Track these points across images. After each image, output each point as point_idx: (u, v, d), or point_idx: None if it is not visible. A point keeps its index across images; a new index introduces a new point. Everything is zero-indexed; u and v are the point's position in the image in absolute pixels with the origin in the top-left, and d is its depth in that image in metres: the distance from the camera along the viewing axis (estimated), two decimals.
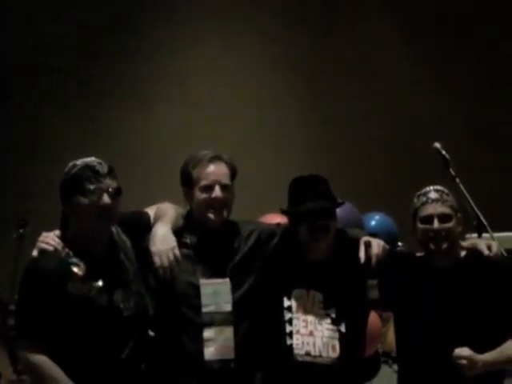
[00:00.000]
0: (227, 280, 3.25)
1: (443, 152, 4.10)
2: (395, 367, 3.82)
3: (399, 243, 4.84)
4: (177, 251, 3.19)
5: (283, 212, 3.44)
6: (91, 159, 3.07)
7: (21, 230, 7.43)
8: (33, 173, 8.66)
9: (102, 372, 2.96)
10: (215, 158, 3.33)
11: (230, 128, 9.25)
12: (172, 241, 3.20)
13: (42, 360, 2.88)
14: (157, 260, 3.16)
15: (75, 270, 2.97)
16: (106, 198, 2.98)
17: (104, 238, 3.09)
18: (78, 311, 2.93)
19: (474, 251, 3.31)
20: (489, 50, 9.59)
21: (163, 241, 3.19)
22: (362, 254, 3.27)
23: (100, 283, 3.01)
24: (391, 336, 3.60)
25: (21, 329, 2.97)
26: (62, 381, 2.87)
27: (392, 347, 3.62)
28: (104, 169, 3.03)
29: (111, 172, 3.05)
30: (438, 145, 4.12)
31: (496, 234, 3.78)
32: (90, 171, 3.00)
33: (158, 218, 3.32)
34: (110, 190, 3.01)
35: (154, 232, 3.22)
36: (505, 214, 6.81)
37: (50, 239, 3.05)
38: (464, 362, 3.05)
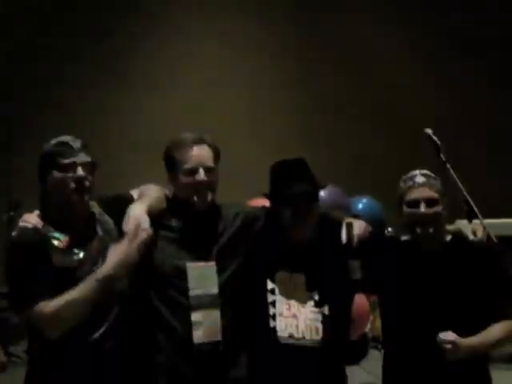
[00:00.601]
0: (213, 263, 3.25)
1: (434, 138, 4.08)
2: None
3: (389, 228, 4.85)
4: (149, 232, 3.13)
5: (265, 196, 3.43)
6: (66, 136, 3.13)
7: (11, 213, 7.43)
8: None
9: (82, 344, 3.00)
10: (198, 141, 3.30)
11: (218, 113, 9.27)
12: (144, 221, 3.14)
13: (56, 302, 2.91)
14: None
15: (55, 242, 3.03)
16: (80, 171, 3.04)
17: (82, 211, 3.12)
18: (61, 282, 2.96)
19: (459, 235, 3.31)
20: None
21: (136, 220, 3.13)
22: (343, 235, 3.27)
23: (81, 255, 3.06)
24: (380, 321, 3.59)
25: (21, 300, 2.98)
26: (84, 288, 2.93)
27: (381, 332, 3.62)
28: (77, 144, 3.09)
29: (85, 147, 3.10)
30: (429, 130, 4.10)
31: (486, 221, 3.76)
32: (64, 146, 3.06)
33: (138, 198, 3.31)
34: (86, 163, 3.07)
35: (128, 211, 3.17)
36: (496, 200, 6.82)
37: (30, 218, 3.09)
38: (448, 346, 3.06)
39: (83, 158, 3.07)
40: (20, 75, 9.59)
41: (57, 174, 3.05)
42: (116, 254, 3.01)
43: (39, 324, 2.95)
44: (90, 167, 3.09)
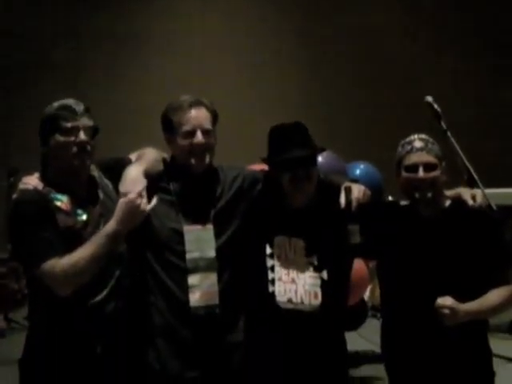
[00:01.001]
0: (211, 226, 3.25)
1: (435, 106, 4.05)
2: None
3: (389, 197, 4.84)
4: (144, 194, 3.13)
5: (264, 161, 3.41)
6: (68, 100, 3.13)
7: (11, 179, 7.45)
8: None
9: (82, 309, 3.01)
10: (195, 103, 3.28)
11: (220, 78, 9.26)
12: (141, 183, 3.14)
13: (67, 259, 2.92)
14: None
15: (58, 203, 3.03)
16: (82, 135, 3.04)
17: (83, 174, 3.12)
18: (67, 243, 2.97)
19: (458, 201, 3.30)
20: None
21: (132, 182, 3.14)
22: (342, 199, 3.25)
23: (84, 217, 3.07)
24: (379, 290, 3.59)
25: (31, 258, 2.97)
26: (93, 246, 2.96)
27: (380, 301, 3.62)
28: (80, 108, 3.08)
29: (87, 111, 3.10)
30: (430, 98, 4.07)
31: (487, 190, 3.74)
32: (67, 110, 3.06)
33: (136, 161, 3.32)
34: (86, 127, 3.06)
35: (125, 173, 3.18)
36: (498, 170, 6.81)
37: (30, 180, 3.10)
38: (446, 311, 3.05)
39: (86, 121, 3.07)
40: (20, 35, 9.56)
41: (59, 137, 3.05)
42: (122, 209, 3.01)
43: (51, 283, 2.95)
44: (92, 131, 3.09)
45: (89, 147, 3.06)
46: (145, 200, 3.10)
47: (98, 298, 3.04)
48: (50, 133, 3.06)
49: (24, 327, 7.55)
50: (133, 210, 3.02)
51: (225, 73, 9.65)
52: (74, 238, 3.00)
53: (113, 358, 3.10)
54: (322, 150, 3.40)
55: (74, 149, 3.04)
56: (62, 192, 3.06)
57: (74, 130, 3.04)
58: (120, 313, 3.11)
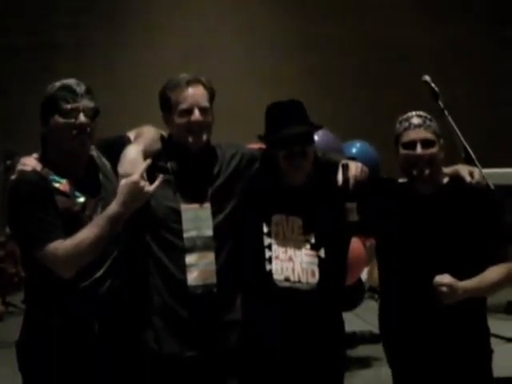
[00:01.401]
0: (208, 205, 3.24)
1: (432, 85, 4.04)
2: None
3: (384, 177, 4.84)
4: (144, 175, 3.12)
5: (260, 139, 3.40)
6: (70, 80, 3.09)
7: (8, 162, 7.42)
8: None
9: (76, 288, 2.99)
10: (193, 81, 3.27)
11: (219, 58, 9.25)
12: (140, 163, 3.12)
13: (69, 242, 2.92)
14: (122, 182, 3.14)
15: (56, 185, 3.01)
16: (82, 117, 3.00)
17: (83, 156, 3.10)
18: (65, 225, 2.96)
19: (456, 178, 3.29)
20: None
21: (131, 163, 3.13)
22: (339, 177, 3.25)
23: (82, 199, 3.05)
24: (377, 271, 3.58)
25: (31, 240, 2.96)
26: (95, 228, 2.95)
27: (378, 282, 3.61)
28: (81, 89, 3.05)
29: (89, 92, 3.07)
30: (427, 77, 4.06)
31: (485, 170, 3.73)
32: (68, 91, 3.02)
33: (134, 140, 3.30)
34: (86, 109, 3.02)
35: (124, 153, 3.18)
36: (495, 149, 6.81)
37: (28, 161, 3.07)
38: (444, 289, 3.05)
39: (86, 103, 3.03)
40: (18, 17, 9.54)
41: (59, 118, 3.01)
42: (125, 190, 2.99)
43: (53, 264, 2.94)
44: (92, 113, 3.06)
45: (88, 129, 3.03)
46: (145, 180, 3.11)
47: (94, 277, 3.03)
48: (49, 113, 3.03)
49: (22, 311, 7.53)
50: (136, 191, 3.00)
51: (224, 51, 9.65)
52: (72, 220, 2.99)
53: (110, 337, 3.09)
54: (319, 127, 3.38)
55: (74, 131, 3.01)
56: (61, 173, 3.04)
57: (74, 112, 3.00)
58: (116, 292, 3.10)
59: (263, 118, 3.37)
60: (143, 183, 3.01)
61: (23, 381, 3.11)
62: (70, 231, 2.95)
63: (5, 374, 4.82)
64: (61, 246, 2.91)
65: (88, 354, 3.05)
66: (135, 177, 3.00)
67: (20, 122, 8.67)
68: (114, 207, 2.98)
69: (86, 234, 2.93)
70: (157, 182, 3.08)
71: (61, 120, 3.01)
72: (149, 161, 3.11)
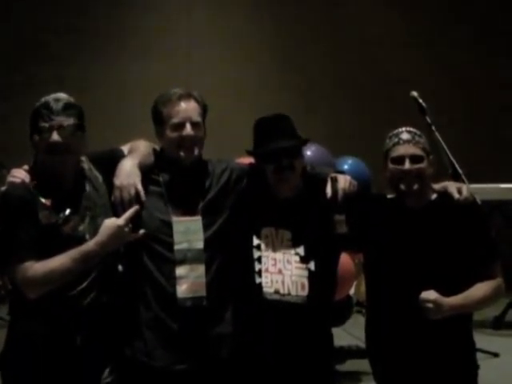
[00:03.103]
0: (199, 218, 3.25)
1: (420, 100, 4.09)
2: None
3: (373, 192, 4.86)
4: (139, 187, 3.18)
5: (249, 153, 3.42)
6: (54, 95, 3.10)
7: None
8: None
9: (60, 299, 3.01)
10: (185, 96, 3.29)
11: (206, 72, 9.26)
12: (136, 176, 3.19)
13: (39, 266, 2.94)
14: (117, 194, 3.17)
15: (42, 200, 3.02)
16: (54, 136, 3.01)
17: (66, 172, 3.09)
18: (45, 239, 2.98)
19: (444, 194, 3.30)
20: None
21: (127, 175, 3.18)
22: (328, 189, 3.26)
23: (67, 212, 3.05)
24: (364, 286, 3.59)
25: (6, 256, 2.99)
26: (68, 259, 2.96)
27: (365, 297, 3.62)
28: (58, 106, 3.05)
29: (67, 109, 3.06)
30: (415, 93, 4.11)
31: (473, 186, 3.76)
32: (45, 109, 3.04)
33: (129, 154, 3.32)
34: (63, 126, 3.02)
35: (120, 166, 3.22)
36: (477, 166, 6.83)
37: (18, 173, 3.09)
38: (430, 305, 3.06)
39: (60, 121, 3.02)
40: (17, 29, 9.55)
41: (36, 137, 3.05)
42: (107, 232, 3.01)
43: (21, 284, 2.98)
44: (71, 129, 3.04)
45: (63, 147, 3.02)
46: (142, 192, 3.17)
47: (78, 288, 3.04)
48: (31, 130, 3.06)
49: (6, 323, 7.51)
50: (118, 235, 3.03)
51: (213, 67, 9.66)
52: (52, 233, 3.00)
53: (93, 350, 3.09)
54: (306, 141, 3.40)
55: (46, 148, 3.02)
56: (48, 186, 3.05)
57: (48, 130, 3.01)
58: (101, 304, 3.11)
59: (250, 133, 3.40)
60: (127, 229, 3.04)
61: None
62: (48, 244, 2.98)
63: None
64: (31, 268, 2.94)
65: (71, 365, 3.05)
66: (120, 221, 3.03)
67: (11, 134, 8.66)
68: (91, 245, 3.00)
69: (58, 263, 2.95)
70: (140, 232, 3.11)
71: (36, 137, 3.04)
72: (139, 174, 3.15)
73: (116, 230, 3.01)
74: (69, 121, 3.04)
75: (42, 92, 3.15)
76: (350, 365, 5.77)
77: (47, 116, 3.01)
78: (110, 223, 3.03)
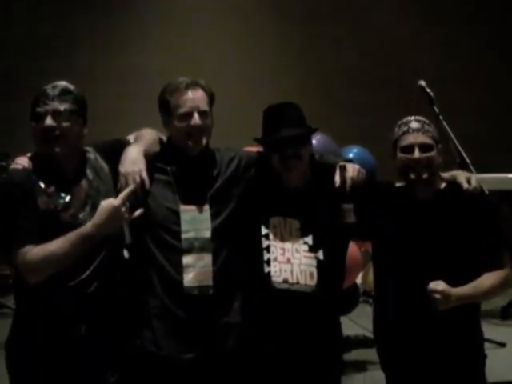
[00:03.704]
0: (207, 207, 3.25)
1: (428, 90, 4.07)
2: None
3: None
4: (144, 174, 3.16)
5: (256, 141, 3.41)
6: (51, 83, 3.11)
7: (2, 163, 7.44)
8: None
9: (63, 289, 3.01)
10: (192, 84, 3.27)
11: (214, 62, 9.25)
12: (141, 163, 3.17)
13: (39, 250, 2.94)
14: (122, 181, 3.16)
15: (42, 185, 3.03)
16: (48, 121, 3.01)
17: (63, 157, 3.07)
18: (44, 225, 2.98)
19: (453, 183, 3.30)
20: None
21: (132, 162, 3.17)
22: (337, 178, 3.25)
23: (67, 199, 3.05)
24: (372, 276, 3.59)
25: (6, 240, 2.99)
26: (66, 243, 2.95)
27: (373, 287, 3.62)
28: (55, 91, 3.06)
29: (63, 94, 3.06)
30: (422, 82, 4.10)
31: (480, 175, 3.75)
32: (42, 95, 3.05)
33: (135, 142, 3.32)
34: (58, 111, 3.02)
35: (125, 153, 3.21)
36: (488, 154, 6.81)
37: (20, 160, 3.11)
38: (438, 295, 3.06)
39: (56, 106, 3.03)
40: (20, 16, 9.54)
41: (33, 123, 3.05)
42: (103, 213, 2.99)
43: (20, 269, 2.98)
44: (66, 114, 3.04)
45: (57, 131, 3.02)
46: (147, 180, 3.15)
47: (80, 277, 3.04)
48: (30, 117, 3.06)
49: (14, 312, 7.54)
50: (115, 216, 3.01)
51: (222, 54, 9.65)
52: (51, 219, 3.00)
53: (98, 339, 3.10)
54: (315, 130, 3.39)
55: (40, 134, 3.02)
56: (50, 172, 3.06)
57: (43, 115, 3.02)
58: (105, 293, 3.11)
59: (259, 122, 3.39)
60: (123, 209, 3.01)
61: (10, 381, 3.12)
62: (47, 230, 2.98)
63: None
64: (30, 252, 2.94)
65: (75, 355, 3.05)
66: (117, 201, 3.01)
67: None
68: (88, 227, 2.99)
69: (56, 246, 2.94)
70: (137, 213, 3.08)
71: (33, 124, 3.04)
72: (144, 161, 3.16)
73: (112, 210, 2.99)
74: (63, 105, 3.04)
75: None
76: (357, 354, 5.77)
77: (42, 102, 3.02)
78: (107, 204, 3.01)
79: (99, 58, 9.56)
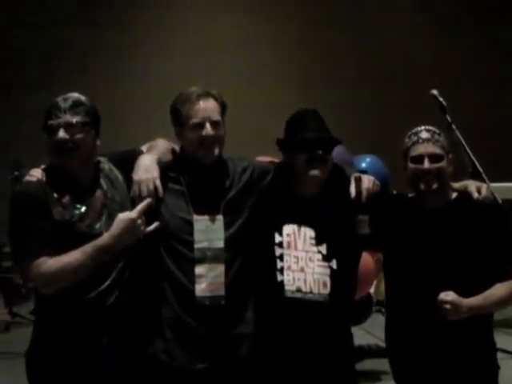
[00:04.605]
0: (220, 217, 3.25)
1: (440, 99, 4.05)
2: None
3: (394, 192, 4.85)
4: (158, 182, 3.18)
5: (280, 142, 3.41)
6: (64, 95, 3.13)
7: (15, 173, 7.49)
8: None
9: (83, 300, 3.03)
10: (204, 95, 3.27)
11: (225, 72, 9.28)
12: (154, 171, 3.19)
13: (53, 262, 2.95)
14: (135, 189, 3.18)
15: (56, 196, 3.05)
16: (61, 133, 3.03)
17: (75, 168, 3.10)
18: (60, 236, 3.00)
19: (464, 193, 3.29)
20: None
21: (146, 171, 3.19)
22: (352, 189, 3.26)
23: (83, 209, 3.07)
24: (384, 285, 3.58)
25: (21, 252, 3.02)
26: (82, 255, 2.96)
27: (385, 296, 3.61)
28: (66, 104, 3.08)
29: (75, 106, 3.08)
30: (435, 91, 4.07)
31: (494, 184, 3.73)
32: (53, 107, 3.07)
33: (148, 151, 3.34)
34: (70, 124, 3.04)
35: (138, 162, 3.23)
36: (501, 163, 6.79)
37: (34, 172, 3.13)
38: (448, 306, 3.06)
39: (68, 118, 3.05)
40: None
41: (45, 136, 3.07)
42: (120, 225, 3.01)
43: (34, 280, 3.01)
44: (78, 127, 3.06)
45: (70, 144, 3.04)
46: (160, 188, 3.17)
47: (100, 288, 3.06)
48: (42, 130, 3.08)
49: (28, 321, 7.57)
50: (131, 228, 3.02)
51: (233, 63, 9.69)
52: (67, 230, 3.03)
53: (117, 348, 3.11)
54: (339, 141, 3.39)
55: (53, 146, 3.05)
56: (64, 185, 3.08)
57: (55, 128, 3.04)
58: (123, 303, 3.12)
59: (268, 132, 3.39)
60: (140, 221, 3.03)
61: None
62: (64, 241, 2.99)
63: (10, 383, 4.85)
64: (45, 264, 2.95)
65: (95, 365, 3.07)
66: (133, 214, 3.02)
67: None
68: (104, 238, 3.00)
69: (72, 258, 2.95)
70: (152, 226, 3.09)
71: (45, 136, 3.06)
72: (158, 169, 3.18)
73: (129, 222, 3.00)
74: (76, 118, 3.06)
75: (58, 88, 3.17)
76: (369, 364, 5.77)
77: (54, 114, 3.04)
78: (124, 216, 3.02)
79: (117, 62, 9.63)
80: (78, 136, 3.05)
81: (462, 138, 3.82)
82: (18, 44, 9.60)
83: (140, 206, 3.05)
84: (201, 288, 3.18)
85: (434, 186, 3.21)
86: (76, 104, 3.09)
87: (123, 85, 9.47)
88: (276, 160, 3.56)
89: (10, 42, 9.62)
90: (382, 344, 3.56)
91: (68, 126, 3.04)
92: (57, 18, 9.65)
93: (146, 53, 9.81)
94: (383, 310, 6.49)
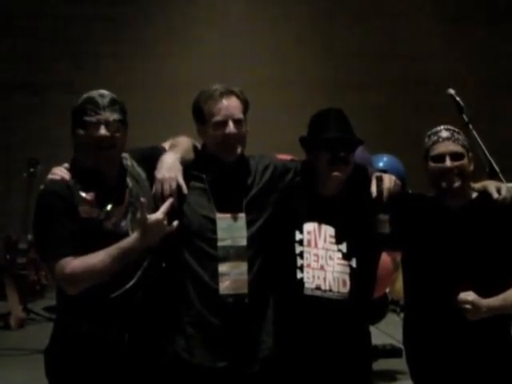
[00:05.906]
0: (243, 215, 3.25)
1: (457, 98, 4.06)
2: (402, 316, 3.81)
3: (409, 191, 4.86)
4: (181, 180, 3.17)
5: (303, 140, 3.41)
6: (96, 91, 3.12)
7: (31, 169, 7.53)
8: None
9: (108, 299, 3.03)
10: (226, 93, 3.26)
11: (245, 72, 9.28)
12: (178, 170, 3.19)
13: (78, 263, 2.94)
14: (158, 187, 3.17)
15: (83, 194, 3.04)
16: (102, 130, 3.03)
17: (109, 168, 3.11)
18: (86, 234, 2.99)
19: (484, 193, 3.29)
20: None
21: (169, 169, 3.18)
22: (373, 188, 3.26)
23: (109, 207, 3.06)
24: (400, 284, 3.59)
25: (46, 252, 3.03)
26: (107, 256, 2.95)
27: (400, 296, 3.61)
28: (104, 101, 3.06)
29: (112, 104, 3.08)
30: (451, 91, 4.08)
31: (509, 184, 3.74)
32: (90, 104, 3.05)
33: (170, 149, 3.33)
34: (110, 121, 3.04)
35: (161, 160, 3.22)
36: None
37: (58, 170, 3.11)
38: (468, 306, 3.06)
39: (108, 115, 3.05)
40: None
41: (81, 131, 3.05)
42: (146, 227, 3.00)
43: (59, 281, 3.00)
44: (116, 125, 3.07)
45: (110, 141, 3.05)
46: (184, 186, 3.16)
47: (125, 287, 3.05)
48: (75, 126, 3.07)
49: (42, 318, 7.60)
50: (156, 229, 3.02)
51: (254, 59, 9.69)
52: (93, 228, 3.02)
53: (140, 347, 3.12)
54: (362, 141, 3.39)
55: (94, 144, 3.03)
56: (90, 182, 3.07)
57: (95, 125, 3.02)
58: (147, 302, 3.13)
59: (287, 131, 3.39)
60: (165, 222, 3.03)
61: None
62: (90, 239, 2.99)
63: (25, 380, 4.84)
64: (69, 264, 2.95)
65: (117, 364, 3.07)
66: (159, 215, 3.02)
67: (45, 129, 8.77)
68: (130, 240, 3.00)
69: (97, 260, 2.95)
70: (174, 223, 3.08)
71: (82, 133, 3.05)
72: (181, 167, 3.18)
73: (155, 223, 3.00)
74: (114, 116, 3.06)
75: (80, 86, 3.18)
76: (384, 364, 5.75)
77: (93, 111, 3.03)
78: (150, 218, 3.01)
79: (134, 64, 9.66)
80: (117, 134, 3.07)
81: (478, 138, 3.83)
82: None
83: (164, 207, 3.05)
84: (224, 286, 3.18)
85: (457, 184, 3.21)
86: (113, 102, 3.09)
87: (141, 86, 9.49)
88: (296, 158, 3.55)
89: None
90: (397, 343, 3.56)
91: (107, 124, 3.04)
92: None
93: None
94: (398, 309, 6.52)
